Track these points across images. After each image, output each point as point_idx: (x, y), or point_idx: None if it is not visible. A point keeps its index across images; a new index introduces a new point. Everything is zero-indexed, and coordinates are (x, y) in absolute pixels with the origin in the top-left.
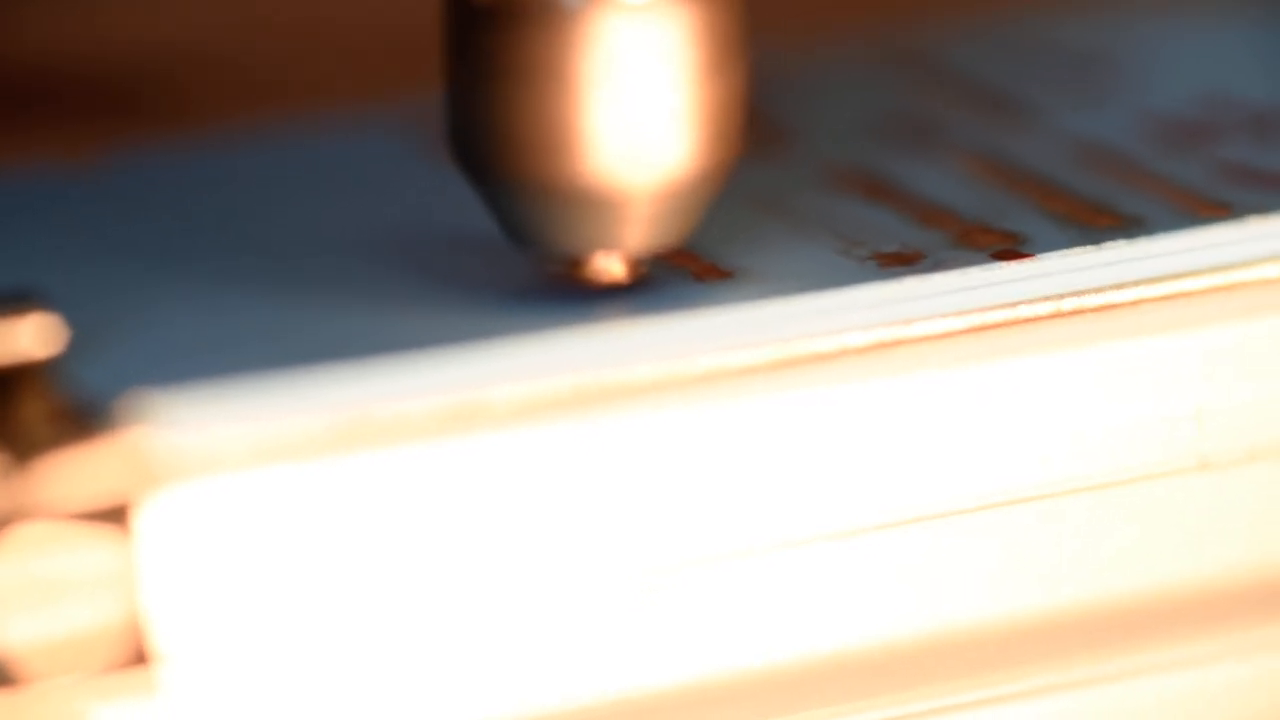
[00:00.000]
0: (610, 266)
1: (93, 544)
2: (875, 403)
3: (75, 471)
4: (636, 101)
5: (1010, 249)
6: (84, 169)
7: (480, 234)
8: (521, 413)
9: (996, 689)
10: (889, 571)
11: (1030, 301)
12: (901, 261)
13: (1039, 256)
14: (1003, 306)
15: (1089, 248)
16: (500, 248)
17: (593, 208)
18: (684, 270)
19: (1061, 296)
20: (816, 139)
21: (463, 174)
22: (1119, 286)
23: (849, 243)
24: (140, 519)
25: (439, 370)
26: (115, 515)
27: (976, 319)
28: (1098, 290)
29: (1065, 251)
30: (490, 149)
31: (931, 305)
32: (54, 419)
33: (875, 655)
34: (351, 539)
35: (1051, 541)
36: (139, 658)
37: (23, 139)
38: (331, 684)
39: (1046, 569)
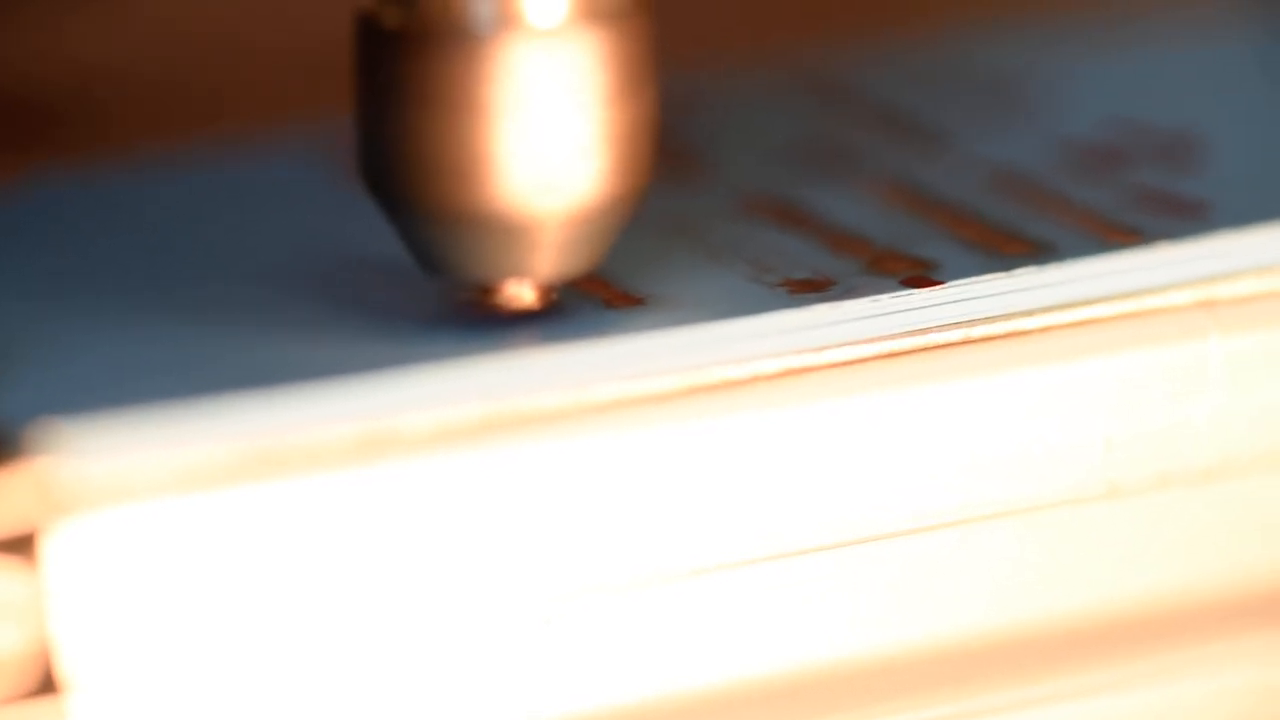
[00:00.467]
0: (521, 293)
1: (1, 573)
2: (785, 430)
3: None
4: (546, 127)
5: (921, 275)
6: (2, 192)
7: (391, 260)
8: (432, 440)
9: (908, 714)
10: (790, 600)
11: (940, 328)
12: (812, 288)
13: (949, 283)
14: (913, 333)
15: (999, 274)
16: (411, 274)
17: (503, 234)
18: (595, 297)
19: (971, 323)
20: (729, 165)
21: (374, 200)
22: (1029, 313)
23: (760, 269)
24: (48, 548)
25: (349, 398)
26: (22, 544)
27: (887, 346)
28: (1007, 317)
29: (975, 278)
30: (400, 175)
31: (842, 332)
32: None
33: (781, 683)
34: (260, 568)
35: (960, 568)
36: (48, 686)
37: None
38: (242, 711)
39: (953, 596)
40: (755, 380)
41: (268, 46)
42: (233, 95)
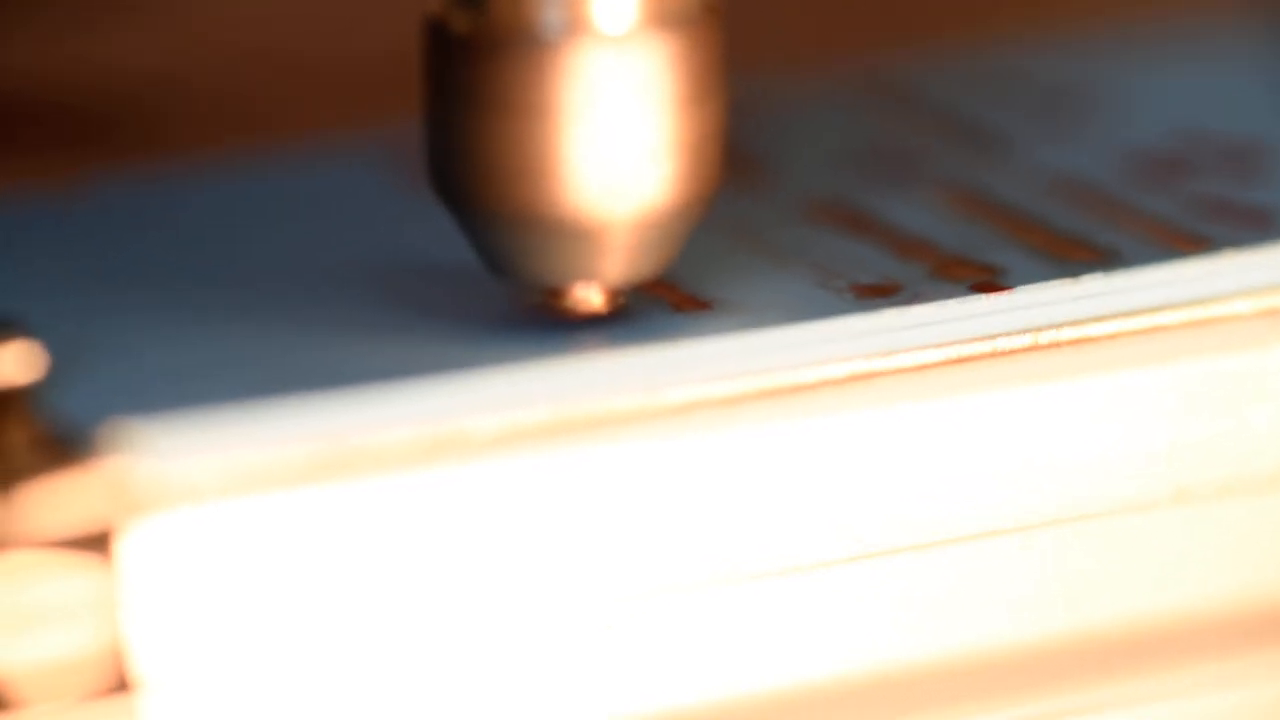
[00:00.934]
0: (589, 297)
1: (74, 571)
2: (853, 434)
3: (56, 499)
4: (615, 133)
5: (988, 281)
6: (64, 196)
7: (460, 264)
8: (500, 443)
9: (973, 718)
10: (867, 602)
11: (1007, 334)
12: (879, 293)
13: (1016, 289)
14: (980, 339)
15: (1066, 281)
16: (479, 278)
17: (571, 238)
18: (662, 301)
19: (1038, 329)
20: (795, 171)
21: (442, 204)
22: (1095, 320)
23: (827, 274)
24: (121, 546)
25: (418, 400)
26: (97, 543)
27: (954, 351)
28: (1074, 323)
29: (1042, 284)
30: (469, 179)
31: (909, 337)
32: (35, 447)
33: (853, 684)
34: (330, 568)
35: (1029, 573)
36: (120, 685)
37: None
38: (312, 711)
39: (1024, 600)
40: (823, 385)
41: (322, 53)
42: (286, 102)
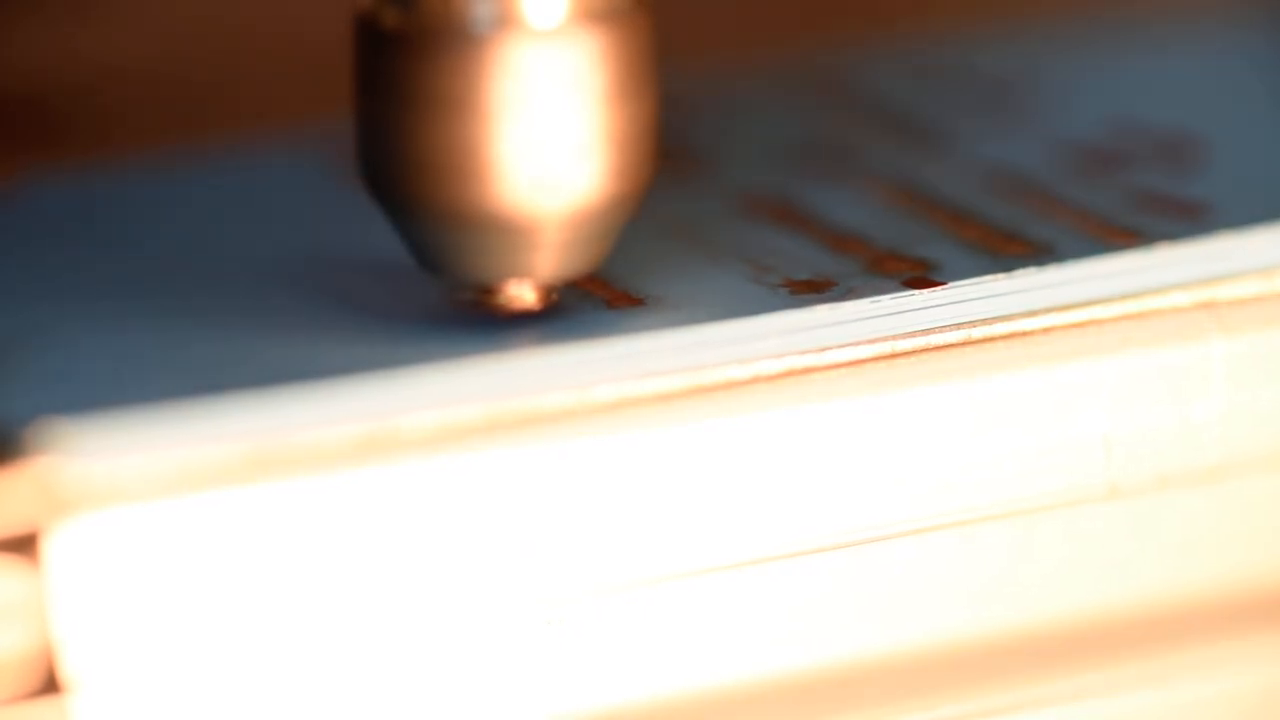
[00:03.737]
0: (521, 294)
1: (2, 572)
2: (787, 430)
3: None
4: (546, 128)
5: (921, 276)
6: (0, 192)
7: (393, 261)
8: (432, 441)
9: (908, 715)
10: (802, 599)
11: (941, 329)
12: (813, 289)
13: (950, 284)
14: (914, 334)
15: (1000, 275)
16: (412, 275)
17: (503, 235)
18: (596, 298)
19: (972, 324)
20: (729, 165)
21: (374, 200)
22: (1029, 314)
23: (761, 270)
24: (50, 547)
25: (350, 398)
26: (24, 544)
27: (887, 346)
28: (1008, 318)
29: (976, 279)
30: (400, 175)
31: (843, 333)
32: None
33: (790, 682)
34: (261, 568)
35: (965, 569)
36: (51, 686)
37: None
38: (245, 711)
39: (960, 596)
40: (756, 381)
41: (270, 47)
42: (235, 96)
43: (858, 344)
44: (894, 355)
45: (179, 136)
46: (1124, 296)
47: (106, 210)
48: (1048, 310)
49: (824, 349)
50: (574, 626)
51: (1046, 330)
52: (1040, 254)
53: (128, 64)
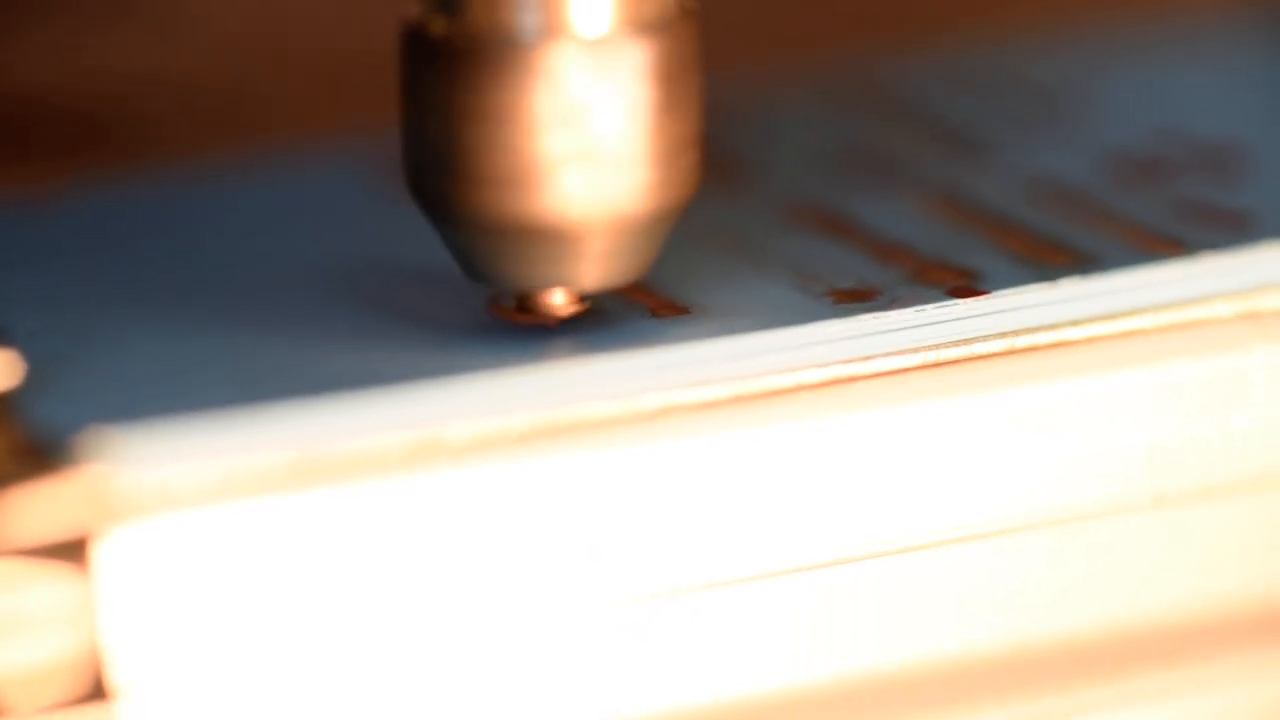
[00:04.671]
0: (566, 303)
1: (51, 579)
2: (831, 439)
3: (34, 506)
4: (592, 137)
5: (966, 285)
6: (45, 201)
7: (438, 270)
8: (477, 449)
9: None
10: (844, 607)
11: (985, 338)
12: (857, 298)
13: (994, 293)
14: (958, 343)
15: (1043, 284)
16: (457, 283)
17: (548, 244)
18: (640, 306)
19: (1016, 333)
20: (774, 174)
21: (420, 209)
22: (1073, 323)
23: (805, 279)
24: (98, 554)
25: (396, 406)
26: (74, 550)
27: (931, 356)
28: (1052, 327)
29: (1020, 288)
30: (446, 184)
31: (887, 342)
32: (12, 454)
33: (832, 689)
34: (308, 574)
35: (1007, 577)
36: (98, 692)
37: None
38: (290, 717)
39: (1000, 604)
40: (800, 389)
41: (310, 56)
42: (274, 105)
43: (901, 353)
44: (938, 364)
45: (219, 146)
46: (1167, 306)
47: (151, 219)
48: (1091, 320)
49: (868, 358)
50: (614, 634)
51: (1090, 340)
52: (1084, 264)
53: (168, 73)
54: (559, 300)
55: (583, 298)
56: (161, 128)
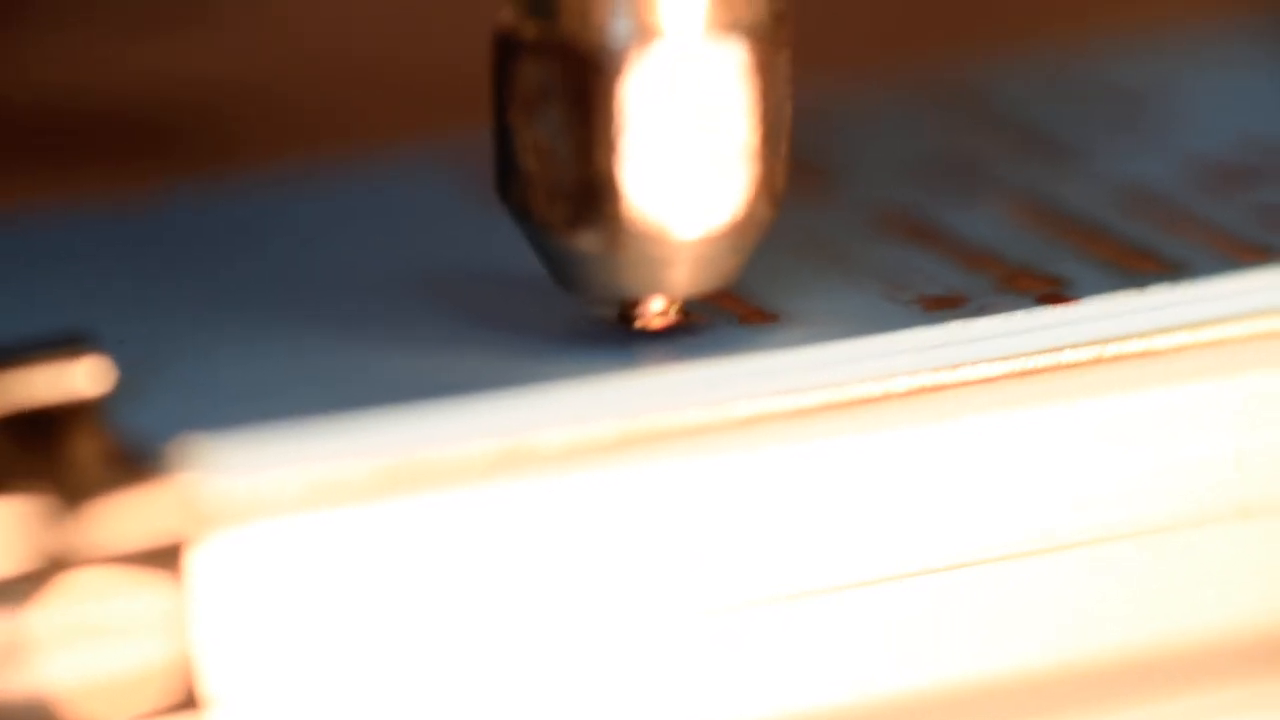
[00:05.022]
0: (657, 310)
1: (144, 587)
2: (921, 447)
3: (126, 514)
4: (683, 143)
5: (1054, 293)
6: (132, 208)
7: (527, 276)
8: (569, 457)
9: None
10: (934, 617)
11: (1074, 346)
12: (946, 305)
13: (1083, 301)
14: (1047, 351)
15: (1132, 292)
16: (546, 290)
17: (638, 251)
18: (729, 314)
19: (1105, 341)
20: (861, 180)
21: (510, 216)
22: (1162, 331)
23: (894, 286)
24: (191, 562)
25: (487, 414)
26: (166, 558)
27: (1020, 364)
28: (1141, 335)
29: (1109, 296)
30: (537, 190)
31: (976, 350)
32: (105, 462)
33: (920, 700)
34: (400, 583)
35: (1094, 588)
36: (189, 701)
37: (70, 177)
38: None
39: (1090, 615)
40: (889, 398)
41: (395, 61)
42: (359, 110)
43: (990, 361)
44: (1026, 372)
45: (305, 152)
46: (1256, 314)
47: (239, 226)
48: (1180, 328)
49: (957, 366)
50: (708, 642)
51: (1179, 348)
52: (1172, 271)
53: (251, 80)
54: (658, 308)
55: (682, 307)
56: (246, 135)
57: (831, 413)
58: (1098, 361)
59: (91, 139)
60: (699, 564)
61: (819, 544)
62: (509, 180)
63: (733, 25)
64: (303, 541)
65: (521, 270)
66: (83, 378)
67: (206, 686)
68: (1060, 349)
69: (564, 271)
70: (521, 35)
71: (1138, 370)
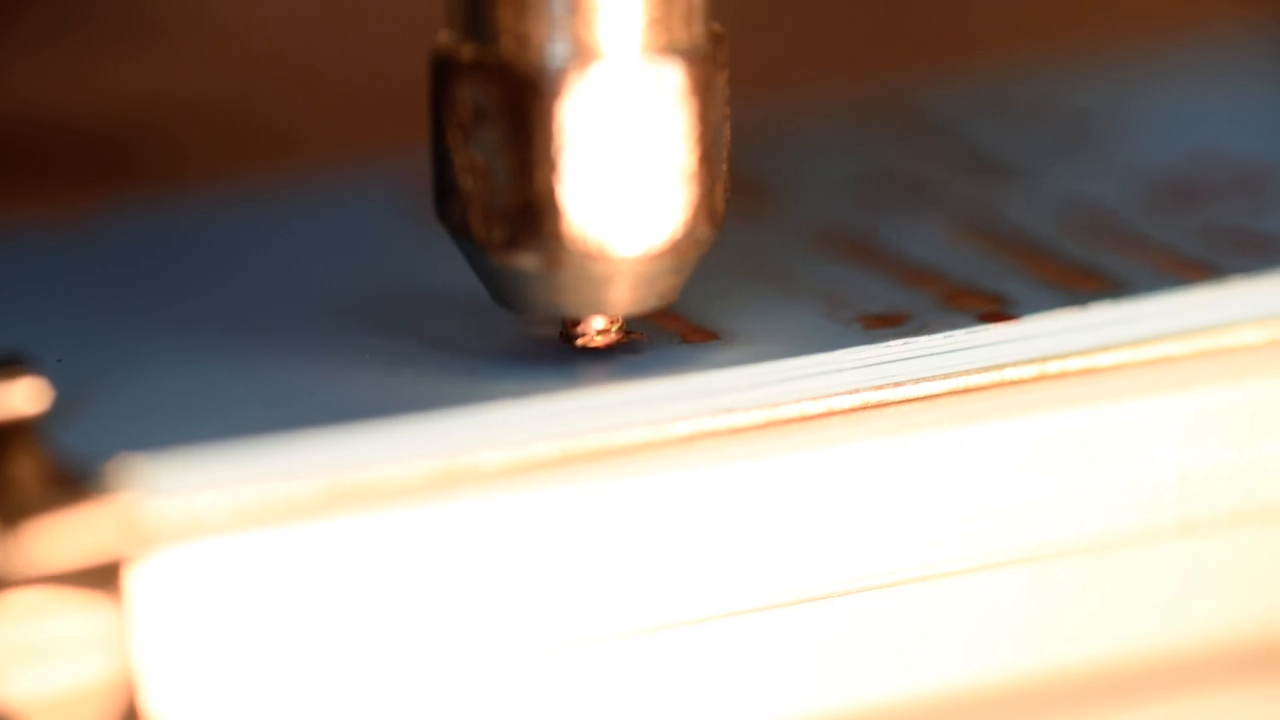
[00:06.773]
0: (596, 329)
1: (83, 606)
2: (862, 465)
3: (64, 534)
4: (622, 163)
5: (996, 311)
6: (73, 227)
7: (467, 296)
8: (509, 476)
9: None
10: (869, 634)
11: (1016, 364)
12: (887, 323)
13: (1024, 319)
14: (988, 369)
15: (1074, 310)
16: (487, 310)
17: (578, 271)
18: (671, 333)
19: (1046, 359)
20: (802, 199)
21: (449, 236)
22: (1103, 349)
23: (835, 304)
24: (130, 581)
25: (426, 434)
26: (105, 577)
27: (961, 381)
28: (1082, 353)
29: (1050, 314)
30: (475, 211)
31: (918, 367)
32: (43, 481)
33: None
34: (338, 602)
35: (1035, 604)
36: (129, 718)
37: (11, 195)
38: None
39: (1029, 632)
40: (830, 415)
41: (338, 80)
42: (301, 129)
43: (932, 379)
44: (968, 390)
45: (242, 171)
46: (1197, 332)
47: (180, 244)
48: (1121, 346)
49: (898, 383)
50: (646, 660)
51: (1120, 366)
52: (1114, 289)
53: (192, 97)
54: (599, 326)
55: (622, 326)
56: (186, 152)
57: (773, 431)
58: (1040, 379)
59: (37, 156)
60: (641, 582)
61: (759, 561)
62: (447, 201)
63: (670, 47)
64: (242, 560)
65: (461, 290)
66: (20, 397)
67: (147, 705)
68: (1002, 366)
69: (504, 291)
70: (459, 57)
71: (1080, 388)
